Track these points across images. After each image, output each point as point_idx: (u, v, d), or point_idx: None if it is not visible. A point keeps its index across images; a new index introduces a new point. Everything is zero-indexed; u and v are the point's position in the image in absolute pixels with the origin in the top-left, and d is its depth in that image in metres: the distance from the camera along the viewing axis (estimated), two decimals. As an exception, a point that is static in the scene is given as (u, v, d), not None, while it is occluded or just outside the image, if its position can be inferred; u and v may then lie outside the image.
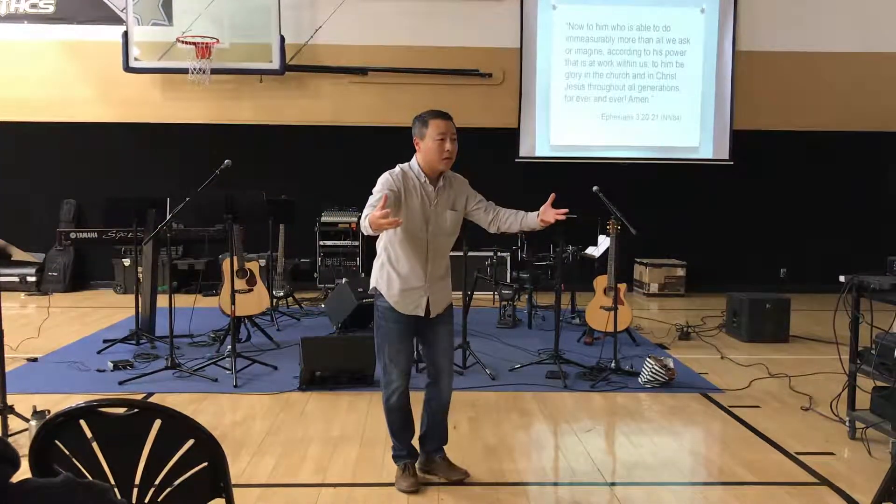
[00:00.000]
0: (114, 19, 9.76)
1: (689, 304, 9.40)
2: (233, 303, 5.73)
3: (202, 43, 9.23)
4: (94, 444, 1.94)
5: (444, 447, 4.03)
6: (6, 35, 9.84)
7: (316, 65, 9.95)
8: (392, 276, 3.75)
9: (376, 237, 3.76)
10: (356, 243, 9.62)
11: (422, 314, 3.77)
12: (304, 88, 10.06)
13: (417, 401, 3.94)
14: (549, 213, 3.70)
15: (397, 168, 3.75)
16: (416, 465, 3.96)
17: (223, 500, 2.00)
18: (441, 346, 3.87)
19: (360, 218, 3.67)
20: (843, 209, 10.32)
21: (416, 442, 4.00)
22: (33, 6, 9.86)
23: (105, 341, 6.57)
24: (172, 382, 5.57)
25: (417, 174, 3.73)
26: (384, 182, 3.66)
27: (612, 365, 5.93)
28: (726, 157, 10.35)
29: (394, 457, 3.97)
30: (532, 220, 3.79)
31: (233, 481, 2.03)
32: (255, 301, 6.74)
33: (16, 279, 9.56)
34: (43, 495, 1.42)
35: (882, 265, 4.50)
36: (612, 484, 3.96)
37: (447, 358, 3.90)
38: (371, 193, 3.64)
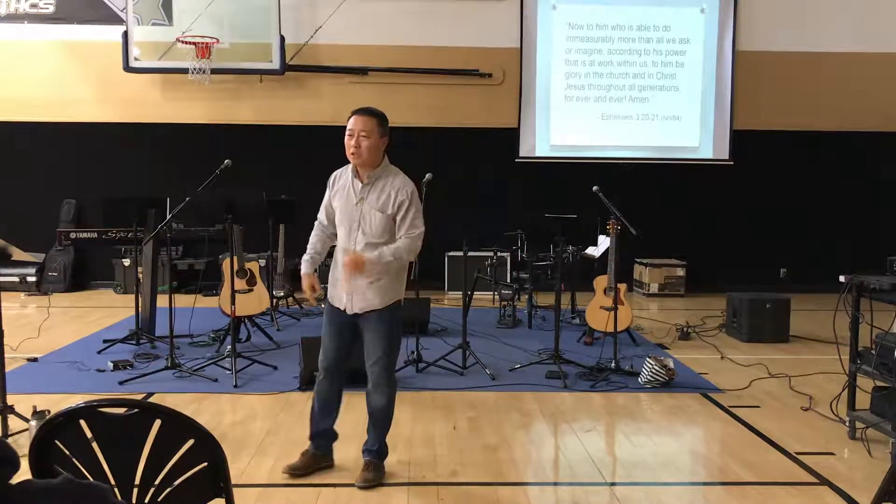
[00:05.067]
0: (114, 19, 9.75)
1: (689, 304, 9.40)
2: (233, 303, 5.72)
3: (202, 43, 9.23)
4: (94, 444, 1.94)
5: (380, 453, 3.94)
6: (6, 35, 9.84)
7: (316, 65, 9.95)
8: (332, 267, 3.92)
9: None
10: (356, 243, 9.57)
11: (342, 307, 3.85)
12: (304, 88, 10.06)
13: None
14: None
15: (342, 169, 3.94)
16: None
17: (223, 500, 2.00)
18: (367, 350, 3.86)
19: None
20: (843, 209, 10.31)
21: (364, 446, 3.96)
22: (33, 6, 9.85)
23: (105, 341, 6.56)
24: (172, 382, 5.57)
25: (351, 171, 3.88)
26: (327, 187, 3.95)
27: (612, 365, 5.93)
28: (726, 157, 10.35)
29: None
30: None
31: (233, 481, 2.03)
32: (255, 301, 6.75)
33: (16, 279, 9.56)
34: (43, 497, 1.42)
35: (882, 265, 4.50)
36: (612, 484, 3.96)
37: (371, 363, 3.84)
38: None
